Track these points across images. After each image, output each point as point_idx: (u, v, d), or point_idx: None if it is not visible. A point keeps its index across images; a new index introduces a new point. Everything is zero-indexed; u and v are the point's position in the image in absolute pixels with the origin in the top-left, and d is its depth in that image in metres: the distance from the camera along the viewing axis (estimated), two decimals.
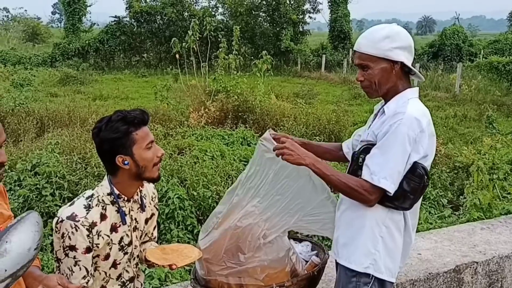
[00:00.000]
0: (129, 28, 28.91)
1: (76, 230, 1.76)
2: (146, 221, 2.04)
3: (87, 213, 1.79)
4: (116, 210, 1.87)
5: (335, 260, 2.08)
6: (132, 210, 1.94)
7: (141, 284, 2.10)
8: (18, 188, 5.21)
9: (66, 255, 1.77)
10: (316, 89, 17.70)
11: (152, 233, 2.16)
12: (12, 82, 17.01)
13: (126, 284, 1.97)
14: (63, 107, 10.17)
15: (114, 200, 1.87)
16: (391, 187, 1.83)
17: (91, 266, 1.83)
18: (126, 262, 1.96)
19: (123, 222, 1.88)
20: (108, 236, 1.85)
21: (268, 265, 2.08)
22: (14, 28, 42.39)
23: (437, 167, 6.94)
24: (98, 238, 1.81)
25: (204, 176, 5.59)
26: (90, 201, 1.84)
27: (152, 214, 2.10)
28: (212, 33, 13.35)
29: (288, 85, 19.86)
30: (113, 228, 1.87)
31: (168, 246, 2.05)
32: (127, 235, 1.92)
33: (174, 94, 12.53)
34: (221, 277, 2.09)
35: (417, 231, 2.83)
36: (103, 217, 1.84)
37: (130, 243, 1.95)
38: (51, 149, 6.00)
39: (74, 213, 1.78)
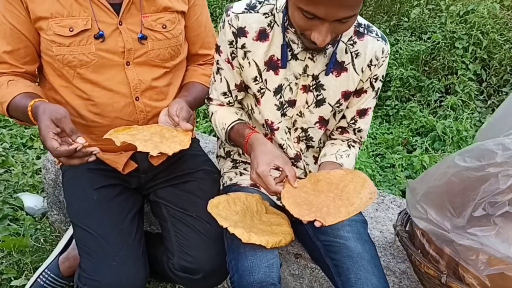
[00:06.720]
0: None
1: (223, 27, 1.30)
2: (346, 96, 1.33)
3: (243, 12, 1.27)
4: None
5: None
6: (312, 59, 1.28)
7: (305, 165, 1.46)
8: None
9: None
10: None
11: (355, 123, 1.40)
12: None
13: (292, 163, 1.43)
14: None
15: (284, 26, 1.26)
16: None
17: (239, 90, 1.37)
18: (286, 133, 1.37)
19: (282, 64, 1.27)
20: (258, 67, 1.29)
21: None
22: None
23: None
24: (243, 58, 1.30)
25: None
26: (261, 3, 1.29)
27: (361, 90, 1.35)
28: None
29: None
30: (271, 64, 1.30)
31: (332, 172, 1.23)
32: (290, 88, 1.31)
33: None
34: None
35: None
36: (262, 35, 1.28)
37: (293, 104, 1.33)
38: None
39: (233, 5, 1.29)
